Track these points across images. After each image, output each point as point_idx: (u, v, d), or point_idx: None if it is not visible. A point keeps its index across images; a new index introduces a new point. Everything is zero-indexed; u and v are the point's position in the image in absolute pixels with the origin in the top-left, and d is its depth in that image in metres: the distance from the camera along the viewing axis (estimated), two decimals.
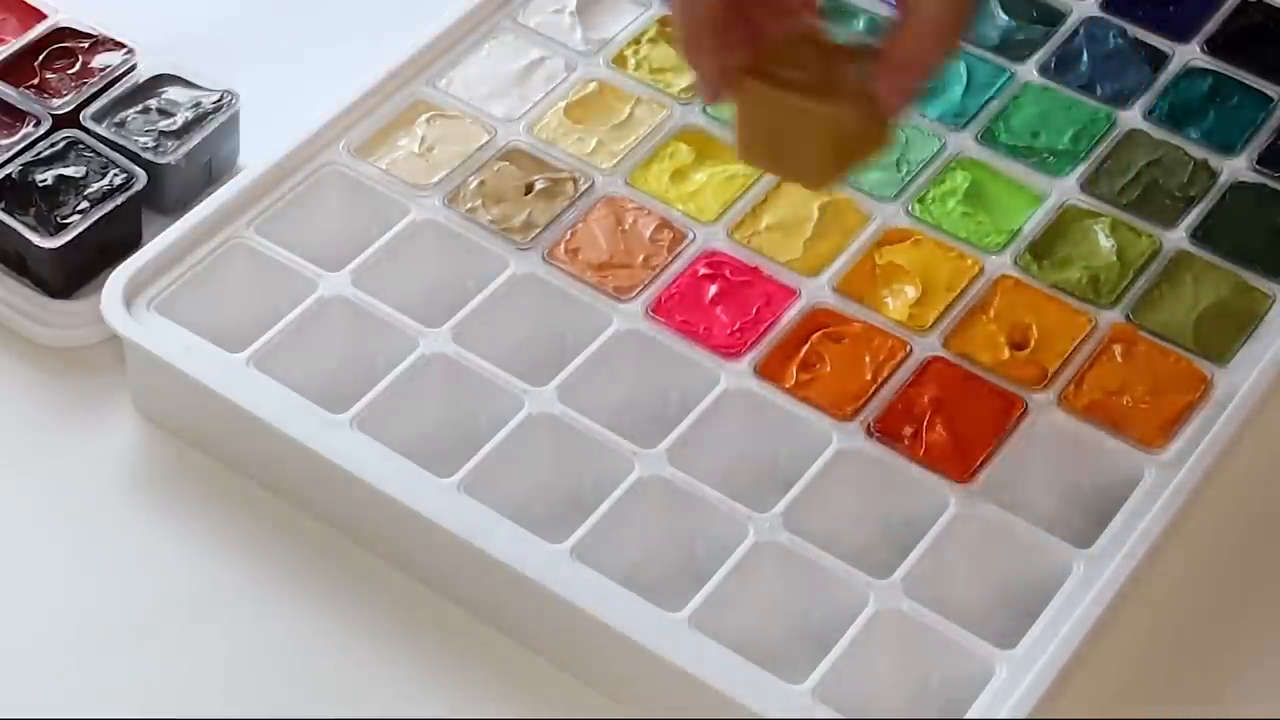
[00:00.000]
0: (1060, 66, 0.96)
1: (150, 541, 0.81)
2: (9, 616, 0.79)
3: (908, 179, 0.90)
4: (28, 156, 0.88)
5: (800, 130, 0.76)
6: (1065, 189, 0.91)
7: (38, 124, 0.89)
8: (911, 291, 0.86)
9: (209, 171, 0.91)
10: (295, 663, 0.78)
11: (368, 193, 0.89)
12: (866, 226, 0.88)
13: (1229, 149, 0.93)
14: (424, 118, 0.91)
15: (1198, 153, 0.92)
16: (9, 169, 0.87)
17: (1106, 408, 0.82)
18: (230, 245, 0.86)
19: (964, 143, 0.92)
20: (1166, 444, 0.81)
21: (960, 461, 0.80)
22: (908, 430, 0.81)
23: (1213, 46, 0.97)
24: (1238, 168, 0.92)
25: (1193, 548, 0.81)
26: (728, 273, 0.86)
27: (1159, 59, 0.96)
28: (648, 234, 0.87)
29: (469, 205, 0.88)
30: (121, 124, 0.90)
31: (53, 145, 0.88)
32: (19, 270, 0.87)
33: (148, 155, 0.88)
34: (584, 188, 0.89)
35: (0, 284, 0.87)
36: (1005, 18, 0.97)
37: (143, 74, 0.92)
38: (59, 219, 0.86)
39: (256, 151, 0.90)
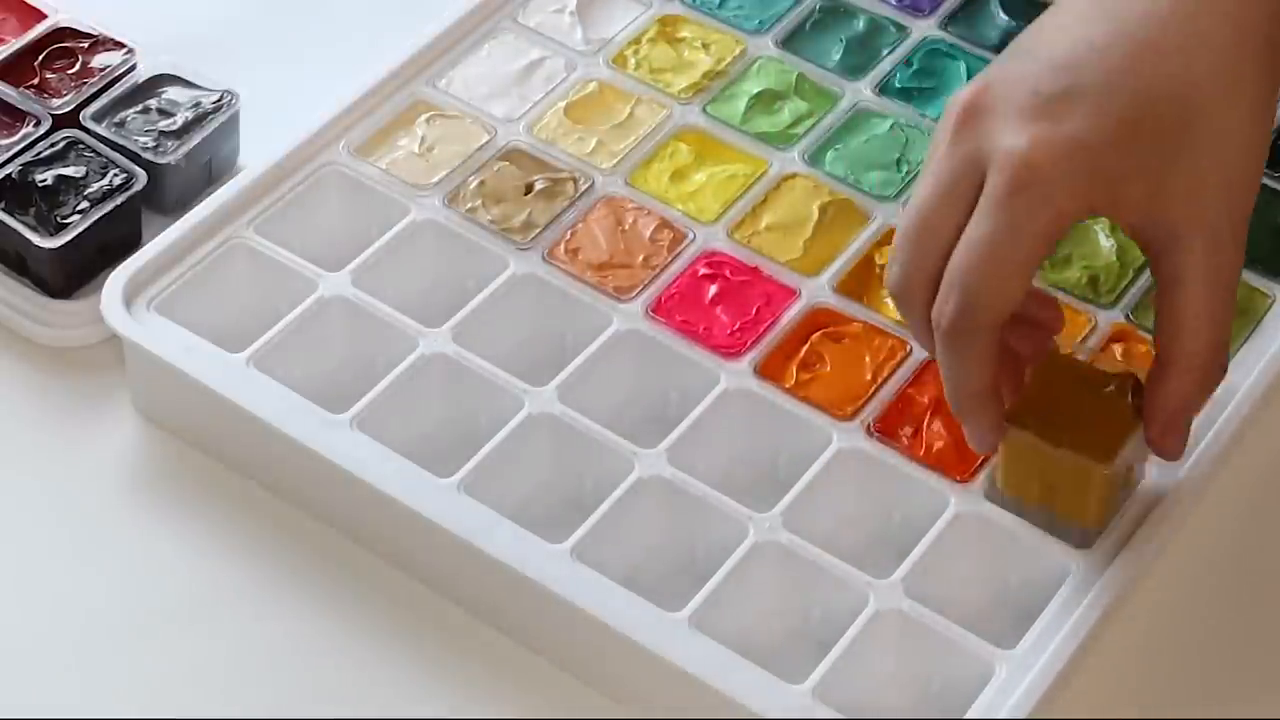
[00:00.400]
0: None
1: (150, 541, 0.81)
2: (8, 616, 0.79)
3: (908, 179, 0.90)
4: (28, 156, 0.88)
5: (1077, 482, 0.75)
6: None
7: (38, 124, 0.89)
8: None
9: (209, 171, 0.91)
10: (295, 663, 0.78)
11: (368, 193, 0.89)
12: (866, 226, 0.88)
13: None
14: (424, 118, 0.91)
15: None
16: (9, 169, 0.87)
17: None
18: (230, 245, 0.86)
19: None
20: None
21: (960, 461, 0.80)
22: (907, 430, 0.81)
23: None
24: None
25: (1193, 548, 0.81)
26: (728, 273, 0.86)
27: None
28: (648, 234, 0.87)
29: (469, 205, 0.88)
30: (121, 124, 0.90)
31: (53, 145, 0.88)
32: (19, 270, 0.87)
33: (148, 155, 0.88)
34: (584, 188, 0.89)
35: (0, 284, 0.87)
36: (1005, 18, 0.97)
37: (143, 74, 0.92)
38: (59, 219, 0.86)
39: (256, 151, 0.90)
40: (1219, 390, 0.82)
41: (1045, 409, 0.75)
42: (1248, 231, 0.73)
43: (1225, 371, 0.75)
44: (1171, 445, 0.76)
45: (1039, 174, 0.70)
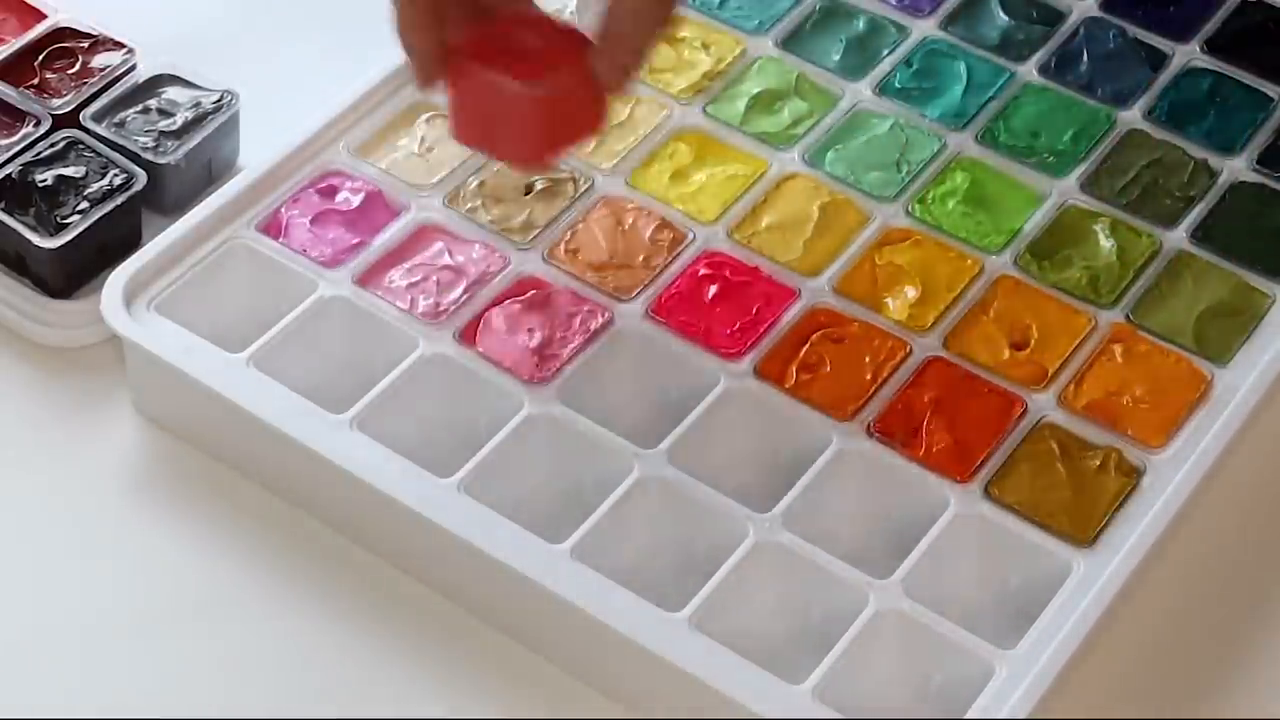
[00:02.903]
0: (1060, 66, 0.96)
1: (150, 541, 0.81)
2: (9, 616, 0.79)
3: (908, 179, 0.90)
4: (28, 156, 0.88)
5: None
6: (1065, 189, 0.91)
7: (38, 124, 0.89)
8: (911, 292, 0.86)
9: (209, 171, 0.91)
10: (295, 663, 0.78)
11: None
12: (866, 226, 0.88)
13: (1229, 149, 0.93)
14: (424, 118, 0.91)
15: (1198, 153, 0.92)
16: (9, 169, 0.87)
17: (1106, 408, 0.82)
18: (230, 245, 0.86)
19: (964, 143, 0.92)
20: (1166, 444, 0.81)
21: (960, 461, 0.80)
22: (907, 430, 0.81)
23: (1213, 46, 0.97)
24: (1238, 168, 0.92)
25: (1192, 547, 0.81)
26: (728, 273, 0.86)
27: (1159, 59, 0.96)
28: (648, 234, 0.87)
29: (469, 205, 0.88)
30: (121, 124, 0.90)
31: (53, 145, 0.88)
32: (19, 270, 0.87)
33: (148, 155, 0.88)
34: (584, 188, 0.89)
35: (0, 284, 0.87)
36: (1005, 18, 0.97)
37: (142, 74, 0.92)
38: (59, 219, 0.86)
39: (256, 151, 0.90)
40: (1219, 390, 0.83)
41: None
42: None
43: (670, 13, 0.79)
44: (612, 75, 0.79)
45: None
